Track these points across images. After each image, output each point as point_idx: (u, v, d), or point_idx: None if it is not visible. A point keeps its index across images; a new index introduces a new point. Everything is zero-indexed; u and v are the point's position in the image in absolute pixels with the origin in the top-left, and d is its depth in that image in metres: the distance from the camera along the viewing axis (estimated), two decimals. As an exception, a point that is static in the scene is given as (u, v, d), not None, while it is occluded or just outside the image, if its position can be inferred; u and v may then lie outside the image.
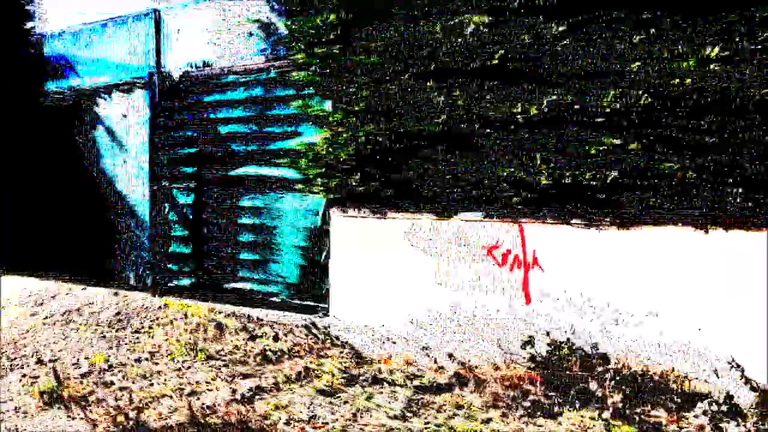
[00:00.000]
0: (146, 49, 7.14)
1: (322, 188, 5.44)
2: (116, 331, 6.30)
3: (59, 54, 8.21)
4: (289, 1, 5.76)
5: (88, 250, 7.87)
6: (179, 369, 5.12)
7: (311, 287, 5.90)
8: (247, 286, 6.40)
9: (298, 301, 6.00)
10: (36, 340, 5.93)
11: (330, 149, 5.35)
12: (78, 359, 5.33)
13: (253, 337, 5.95)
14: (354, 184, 5.24)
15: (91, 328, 6.38)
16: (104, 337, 6.08)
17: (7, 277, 8.58)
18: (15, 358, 5.39)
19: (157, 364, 5.25)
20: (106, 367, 5.13)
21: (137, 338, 6.10)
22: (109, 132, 7.50)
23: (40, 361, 5.25)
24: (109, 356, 5.40)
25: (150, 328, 6.28)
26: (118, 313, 6.60)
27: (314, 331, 5.81)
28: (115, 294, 7.39)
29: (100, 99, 7.58)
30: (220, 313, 6.53)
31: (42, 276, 8.47)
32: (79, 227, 7.96)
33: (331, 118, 5.38)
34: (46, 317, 6.68)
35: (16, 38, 9.81)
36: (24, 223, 8.59)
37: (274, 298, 6.16)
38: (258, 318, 6.20)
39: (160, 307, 6.81)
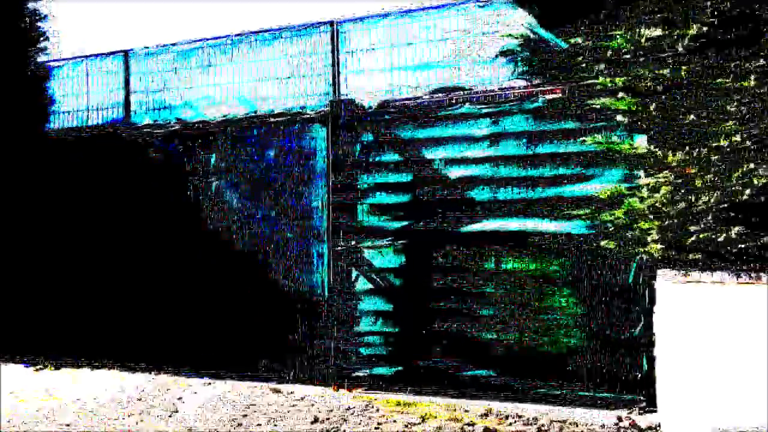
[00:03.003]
0: (317, 72, 5.56)
1: (662, 245, 4.14)
2: (343, 448, 4.55)
3: (151, 75, 6.36)
4: (560, 11, 4.55)
5: (218, 330, 5.96)
6: None
7: (612, 373, 4.51)
8: (495, 373, 4.88)
9: (591, 393, 4.58)
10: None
11: (677, 197, 4.08)
12: None
13: (552, 447, 4.44)
14: (724, 240, 3.99)
15: (302, 446, 4.58)
16: (345, 461, 4.32)
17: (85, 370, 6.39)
18: None
19: None
20: None
21: (392, 459, 4.39)
22: (251, 179, 5.76)
23: None
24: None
25: (385, 440, 4.59)
26: (315, 420, 4.83)
27: (633, 432, 4.41)
28: (276, 391, 5.55)
29: (234, 134, 5.84)
30: (465, 411, 4.95)
31: (150, 370, 6.38)
32: (203, 302, 6.05)
33: (669, 159, 4.13)
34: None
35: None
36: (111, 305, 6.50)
37: (554, 391, 4.69)
38: (533, 418, 4.69)
39: (366, 407, 5.10)
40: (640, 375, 4.46)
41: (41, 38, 8.80)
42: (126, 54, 6.51)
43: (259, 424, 4.90)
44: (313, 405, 5.22)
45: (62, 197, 6.69)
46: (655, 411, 4.37)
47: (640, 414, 4.46)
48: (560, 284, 4.73)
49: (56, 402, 5.41)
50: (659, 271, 4.46)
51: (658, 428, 4.36)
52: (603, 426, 4.53)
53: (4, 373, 6.40)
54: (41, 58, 8.37)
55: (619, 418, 4.49)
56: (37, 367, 6.65)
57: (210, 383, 5.89)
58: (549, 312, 4.77)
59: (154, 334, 6.19)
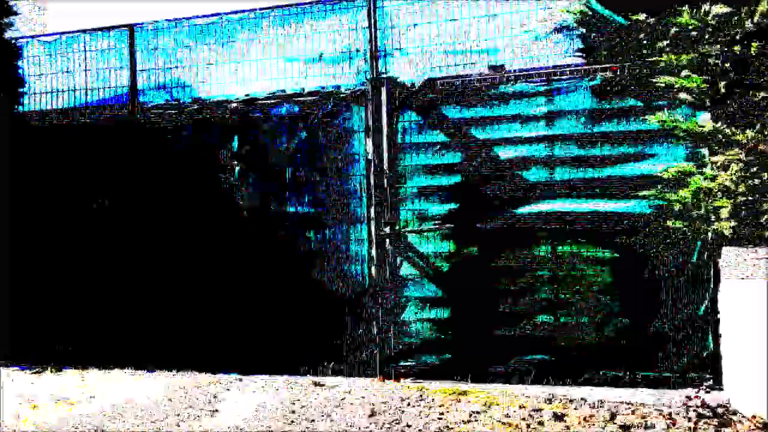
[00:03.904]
0: (354, 49, 5.30)
1: (735, 221, 4.15)
2: (414, 441, 4.37)
3: (162, 53, 5.93)
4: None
5: (250, 323, 5.64)
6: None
7: (677, 352, 4.52)
8: (553, 357, 4.82)
9: (656, 374, 4.58)
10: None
11: (748, 175, 4.10)
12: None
13: (625, 428, 4.42)
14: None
15: (367, 441, 4.37)
16: (424, 454, 4.15)
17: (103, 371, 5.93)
18: None
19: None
20: None
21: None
22: (280, 163, 5.46)
23: None
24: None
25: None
26: (372, 413, 4.64)
27: (703, 411, 4.43)
28: (318, 385, 5.31)
29: (259, 116, 5.52)
30: (527, 397, 4.86)
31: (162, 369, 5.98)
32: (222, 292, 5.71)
33: (739, 136, 4.15)
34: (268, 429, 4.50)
35: None
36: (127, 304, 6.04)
37: (618, 373, 4.66)
38: (599, 401, 4.65)
39: (421, 397, 4.94)
40: (705, 353, 4.45)
41: (8, 13, 8.09)
42: (131, 28, 6.01)
43: (313, 420, 4.64)
44: (363, 397, 4.99)
45: (46, 185, 6.14)
46: (722, 389, 4.37)
47: (707, 392, 4.45)
48: (622, 265, 4.67)
49: (74, 408, 4.97)
50: (724, 249, 4.46)
51: (727, 405, 4.36)
52: (671, 405, 4.50)
53: (3, 377, 5.86)
54: (8, 34, 7.71)
55: (688, 397, 4.47)
56: (36, 369, 6.11)
57: (241, 379, 5.56)
58: (610, 293, 4.70)
59: (171, 332, 5.78)
